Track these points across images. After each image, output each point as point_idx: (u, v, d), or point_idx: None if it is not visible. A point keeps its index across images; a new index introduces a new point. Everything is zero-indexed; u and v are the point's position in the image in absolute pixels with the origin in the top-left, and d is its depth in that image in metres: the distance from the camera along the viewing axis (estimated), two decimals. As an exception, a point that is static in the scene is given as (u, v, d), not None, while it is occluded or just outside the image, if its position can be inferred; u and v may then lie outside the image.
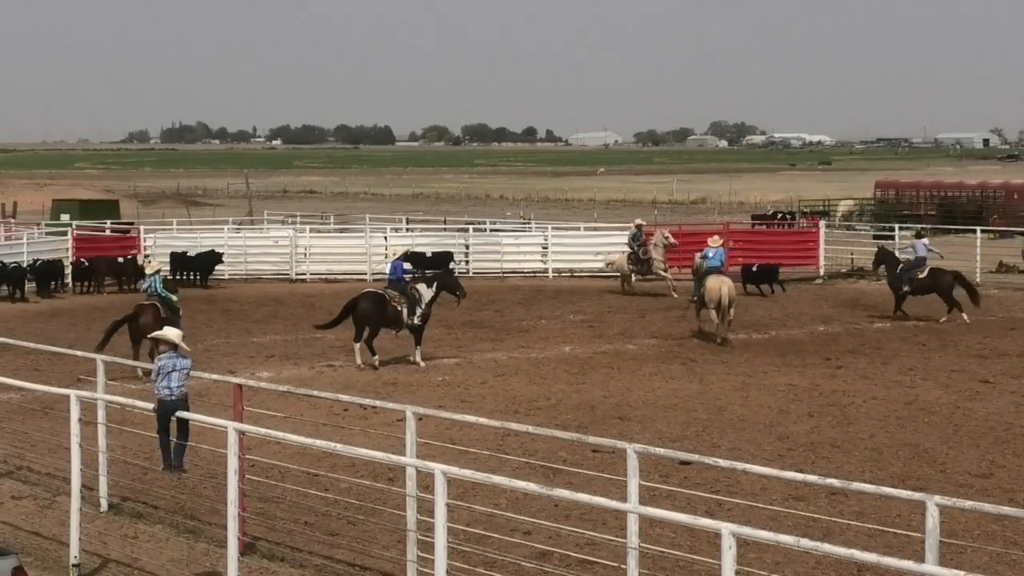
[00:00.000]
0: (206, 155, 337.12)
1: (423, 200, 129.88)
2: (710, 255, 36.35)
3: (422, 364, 31.58)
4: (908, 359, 32.10)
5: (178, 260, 51.40)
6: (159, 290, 30.65)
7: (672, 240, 48.25)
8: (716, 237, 38.92)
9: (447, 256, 52.14)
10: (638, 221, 51.05)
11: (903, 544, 13.93)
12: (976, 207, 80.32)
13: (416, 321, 32.16)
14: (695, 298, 36.63)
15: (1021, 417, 24.87)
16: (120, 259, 50.81)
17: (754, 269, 47.69)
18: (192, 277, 51.27)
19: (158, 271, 31.67)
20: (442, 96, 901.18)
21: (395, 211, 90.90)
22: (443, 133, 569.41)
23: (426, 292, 32.55)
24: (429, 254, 52.50)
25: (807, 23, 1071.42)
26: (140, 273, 47.80)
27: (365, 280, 52.23)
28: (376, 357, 31.42)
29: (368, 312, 31.70)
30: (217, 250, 52.59)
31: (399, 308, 32.07)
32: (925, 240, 42.80)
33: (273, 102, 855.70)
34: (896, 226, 57.36)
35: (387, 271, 33.12)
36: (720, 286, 34.95)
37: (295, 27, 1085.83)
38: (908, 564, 10.11)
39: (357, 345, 31.57)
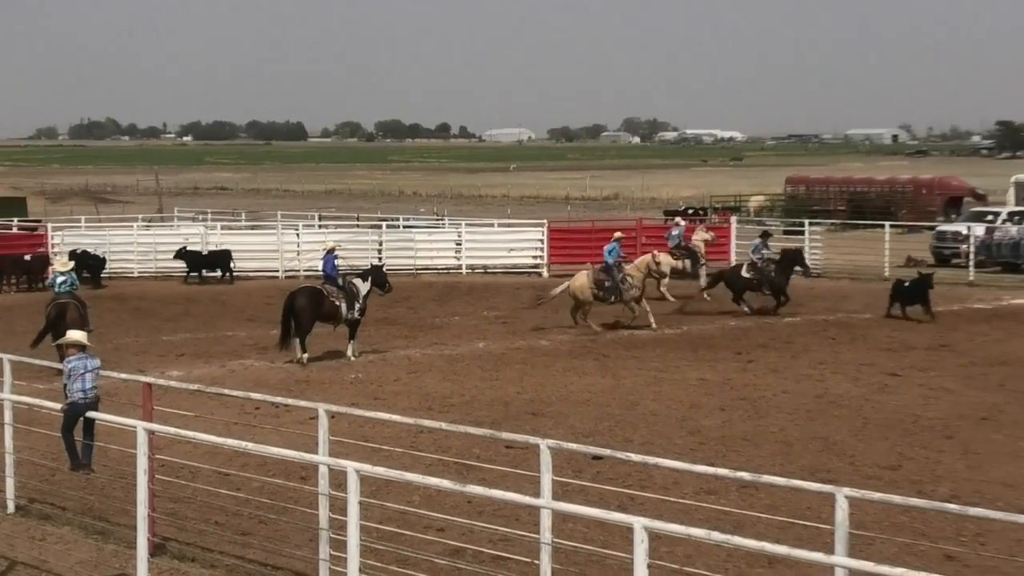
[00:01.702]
0: (116, 152, 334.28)
1: (336, 196, 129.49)
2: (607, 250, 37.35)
3: (354, 358, 31.55)
4: (818, 353, 32.35)
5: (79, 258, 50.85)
6: (73, 287, 30.52)
7: (711, 235, 47.99)
8: (618, 233, 39.51)
9: (226, 254, 52.27)
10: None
11: (813, 536, 14.00)
12: (885, 202, 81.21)
13: (356, 315, 32.29)
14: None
15: (929, 410, 25.14)
16: (27, 256, 50.30)
17: (906, 284, 39.98)
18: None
19: (72, 269, 31.42)
20: (355, 92, 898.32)
21: (308, 208, 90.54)
22: (356, 129, 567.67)
23: (362, 286, 32.69)
24: (205, 252, 52.58)
25: (719, 21, 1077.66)
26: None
27: (278, 277, 52.11)
28: (306, 355, 31.33)
29: (305, 308, 31.66)
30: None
31: (336, 303, 32.08)
32: (757, 242, 42.59)
33: (184, 98, 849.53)
34: (807, 221, 57.72)
35: (327, 268, 32.91)
36: (573, 280, 37.06)
37: (205, 22, 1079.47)
38: (818, 556, 10.19)
39: (297, 341, 31.52)
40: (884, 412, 24.96)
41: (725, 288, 40.82)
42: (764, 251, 40.97)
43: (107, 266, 52.18)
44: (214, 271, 52.28)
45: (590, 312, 36.96)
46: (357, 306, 32.40)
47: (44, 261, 48.67)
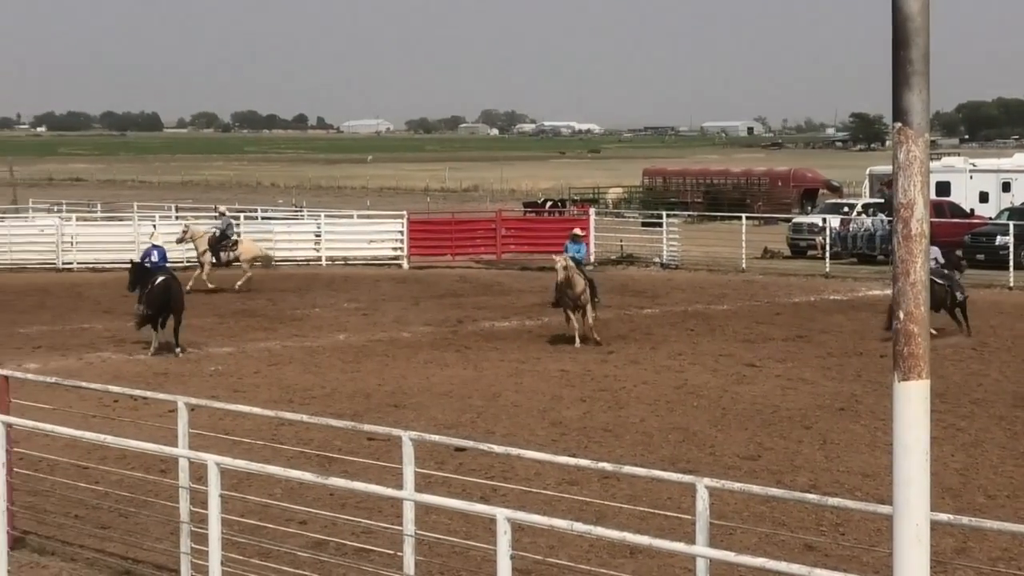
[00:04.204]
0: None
1: (192, 188, 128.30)
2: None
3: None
4: (677, 344, 32.65)
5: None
6: None
7: None
8: (578, 230, 37.45)
9: None
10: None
11: (675, 526, 14.15)
12: (741, 194, 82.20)
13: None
14: None
15: (787, 400, 25.47)
16: None
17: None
18: None
19: None
20: (211, 82, 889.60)
21: (164, 199, 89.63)
22: (212, 120, 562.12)
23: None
24: None
25: (575, 12, 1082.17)
26: None
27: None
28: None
29: (181, 296, 31.91)
30: None
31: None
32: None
33: (37, 88, 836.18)
34: (664, 213, 58.23)
35: (154, 258, 32.60)
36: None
37: (58, 10, 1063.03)
38: (679, 546, 10.31)
39: (156, 332, 31.42)
40: (743, 402, 25.25)
41: None
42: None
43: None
44: None
45: None
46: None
47: None
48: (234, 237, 46.32)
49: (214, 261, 44.95)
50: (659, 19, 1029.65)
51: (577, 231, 36.09)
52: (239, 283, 44.06)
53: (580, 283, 32.96)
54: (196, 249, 45.83)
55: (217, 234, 45.64)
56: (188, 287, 38.00)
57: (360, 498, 16.54)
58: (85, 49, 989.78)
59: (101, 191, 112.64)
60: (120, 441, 15.08)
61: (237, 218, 53.32)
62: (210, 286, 43.84)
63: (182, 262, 45.49)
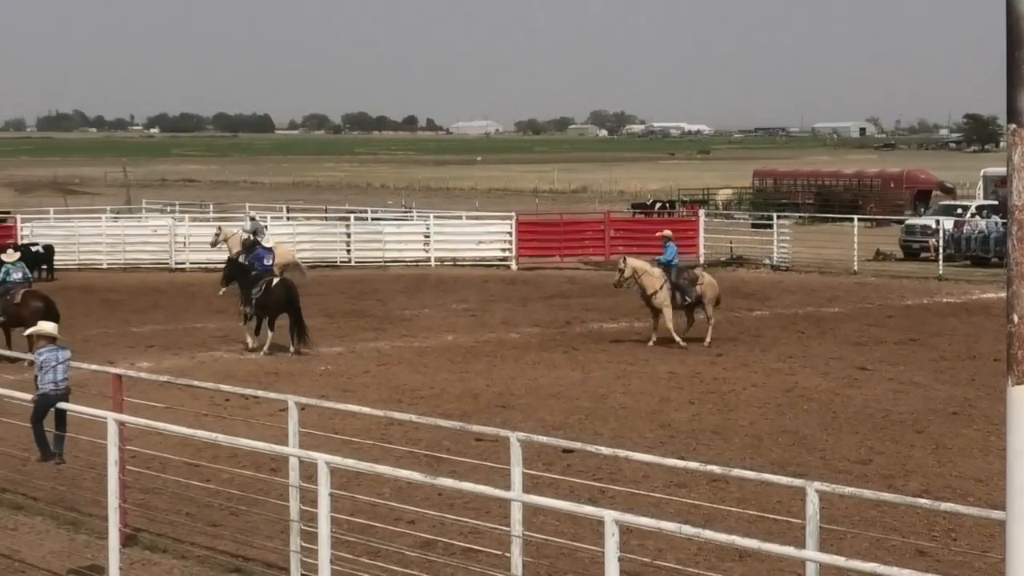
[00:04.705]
0: (83, 143, 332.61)
1: (303, 189, 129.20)
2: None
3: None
4: (787, 347, 32.43)
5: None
6: (27, 280, 31.02)
7: None
8: (666, 231, 36.36)
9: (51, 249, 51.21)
10: None
11: (784, 530, 14.05)
12: (853, 195, 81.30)
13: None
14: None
15: (899, 404, 25.21)
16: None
17: None
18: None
19: (19, 259, 31.71)
20: (322, 84, 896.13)
21: (275, 200, 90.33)
22: (323, 121, 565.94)
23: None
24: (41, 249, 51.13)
25: (686, 12, 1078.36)
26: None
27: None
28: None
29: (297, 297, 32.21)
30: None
31: None
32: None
33: (151, 90, 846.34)
34: (775, 214, 57.84)
35: (267, 261, 32.93)
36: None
37: (173, 13, 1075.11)
38: (789, 550, 10.22)
39: (270, 332, 31.79)
40: (854, 406, 25.02)
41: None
42: None
43: (77, 258, 52.14)
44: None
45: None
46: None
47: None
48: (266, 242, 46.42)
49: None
50: (771, 19, 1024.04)
51: (665, 232, 35.71)
52: None
53: (652, 285, 33.01)
54: (229, 252, 46.00)
55: (250, 238, 45.85)
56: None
57: (468, 498, 16.57)
58: (198, 51, 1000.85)
59: (213, 192, 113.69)
60: (231, 440, 15.20)
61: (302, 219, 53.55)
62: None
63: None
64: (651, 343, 32.58)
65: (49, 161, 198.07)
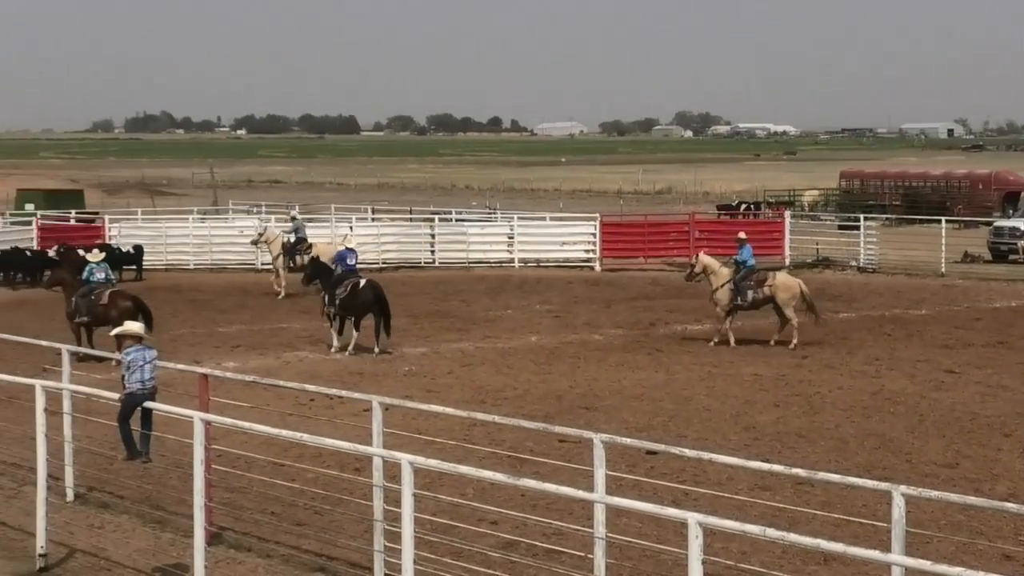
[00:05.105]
0: (171, 144, 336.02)
1: (388, 190, 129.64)
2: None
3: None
4: (874, 349, 32.19)
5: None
6: (109, 280, 31.42)
7: None
8: (742, 233, 36.12)
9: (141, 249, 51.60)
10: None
11: (869, 534, 13.96)
12: (940, 197, 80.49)
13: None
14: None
15: (986, 407, 24.97)
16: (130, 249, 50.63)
17: None
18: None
19: (103, 259, 32.10)
20: (407, 86, 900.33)
21: (360, 201, 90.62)
22: (408, 123, 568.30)
23: None
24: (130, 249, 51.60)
25: (772, 13, 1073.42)
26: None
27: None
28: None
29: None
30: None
31: None
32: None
33: (238, 91, 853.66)
34: (861, 215, 57.39)
35: (350, 262, 33.01)
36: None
37: (260, 16, 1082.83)
38: (874, 554, 10.14)
39: (355, 332, 31.95)
40: (941, 409, 24.81)
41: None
42: None
43: (164, 258, 52.71)
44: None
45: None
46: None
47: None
48: (308, 240, 46.60)
49: (291, 264, 45.27)
50: (858, 20, 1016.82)
51: (740, 235, 35.73)
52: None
53: (715, 283, 33.86)
54: (270, 253, 46.30)
55: (292, 239, 46.03)
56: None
57: (551, 499, 16.56)
58: (284, 54, 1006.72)
59: (299, 193, 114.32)
60: (316, 439, 15.27)
61: (350, 221, 53.66)
62: (277, 290, 44.25)
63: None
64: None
65: (137, 162, 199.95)
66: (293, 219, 49.57)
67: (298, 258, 45.11)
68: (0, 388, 22.61)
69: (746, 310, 34.18)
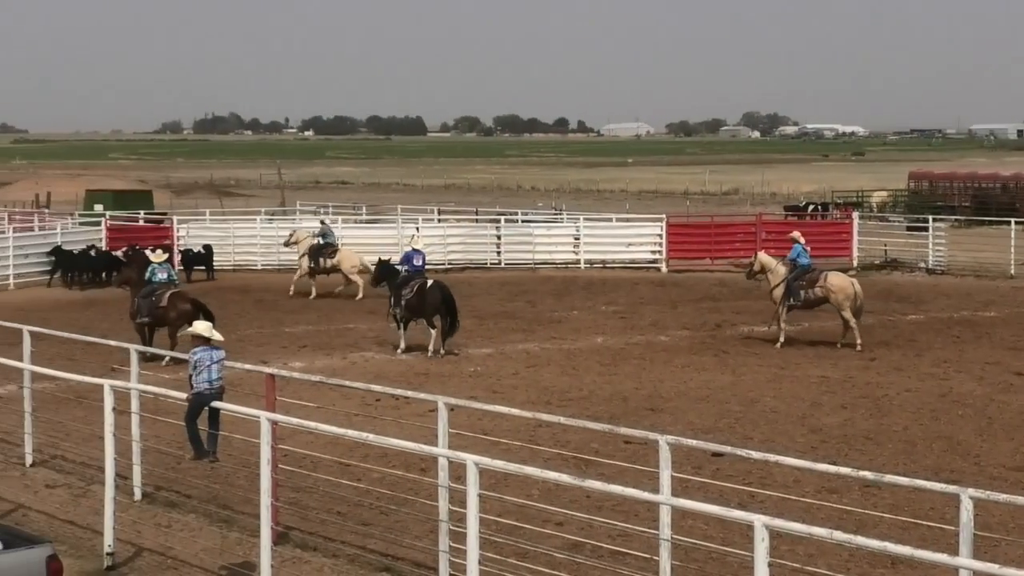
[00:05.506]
0: (238, 146, 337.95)
1: (454, 191, 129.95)
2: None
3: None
4: (942, 351, 31.97)
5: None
6: (172, 280, 31.59)
7: None
8: (795, 233, 35.98)
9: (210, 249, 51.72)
10: None
11: (937, 537, 13.86)
12: (1010, 198, 79.85)
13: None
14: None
15: (1056, 410, 24.76)
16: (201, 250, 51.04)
17: None
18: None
19: (166, 260, 32.25)
20: (473, 87, 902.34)
21: (427, 202, 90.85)
22: (474, 124, 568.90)
23: None
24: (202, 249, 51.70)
25: (841, 13, 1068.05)
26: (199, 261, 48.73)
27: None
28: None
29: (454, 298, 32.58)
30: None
31: None
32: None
33: (305, 93, 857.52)
34: (930, 217, 56.98)
35: (417, 263, 33.09)
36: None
37: (328, 18, 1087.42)
38: (942, 557, 10.07)
39: (434, 332, 32.07)
40: (1009, 412, 24.62)
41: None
42: None
43: (232, 259, 53.06)
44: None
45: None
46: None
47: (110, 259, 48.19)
48: (336, 245, 46.74)
49: (312, 266, 45.37)
50: (929, 19, 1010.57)
51: (793, 234, 35.77)
52: (339, 288, 44.48)
53: (772, 281, 34.37)
54: (297, 253, 46.58)
55: (321, 242, 46.14)
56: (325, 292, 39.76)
57: (616, 501, 16.52)
58: (352, 55, 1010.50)
59: (366, 194, 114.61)
60: (381, 440, 15.31)
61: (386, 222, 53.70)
62: (291, 292, 44.46)
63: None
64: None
65: (205, 163, 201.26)
66: (322, 223, 49.89)
67: (321, 261, 45.33)
68: (69, 388, 22.90)
69: (800, 309, 34.41)
